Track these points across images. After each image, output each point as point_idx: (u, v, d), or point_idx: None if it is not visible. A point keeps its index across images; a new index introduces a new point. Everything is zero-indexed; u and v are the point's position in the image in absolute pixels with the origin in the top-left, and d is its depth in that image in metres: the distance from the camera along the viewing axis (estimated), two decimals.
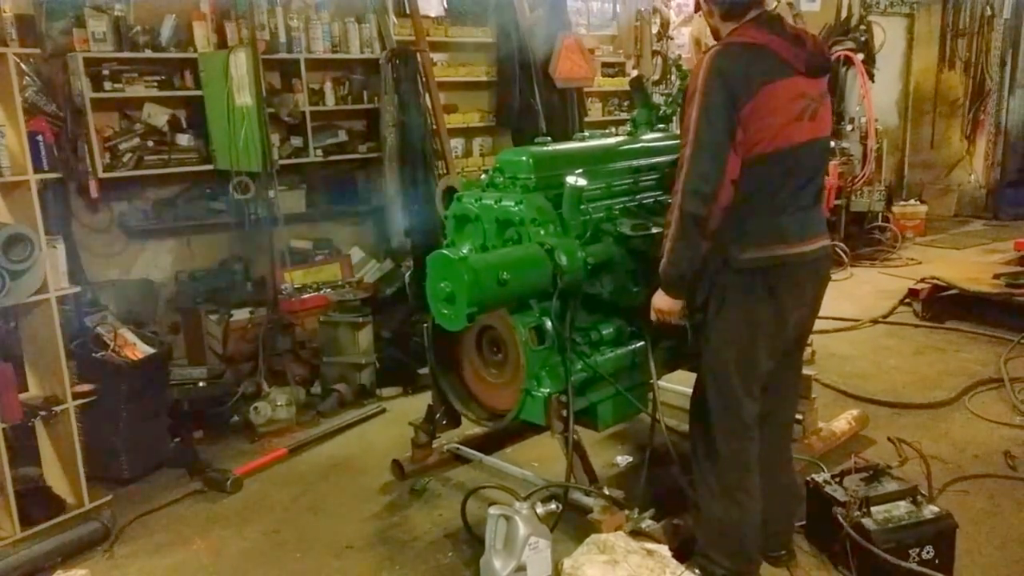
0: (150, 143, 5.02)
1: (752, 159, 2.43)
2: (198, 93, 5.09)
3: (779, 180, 2.48)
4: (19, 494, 3.24)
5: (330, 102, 5.79)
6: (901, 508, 2.78)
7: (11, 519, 3.20)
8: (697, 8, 2.76)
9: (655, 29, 7.81)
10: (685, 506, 3.02)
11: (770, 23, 2.53)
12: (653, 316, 2.72)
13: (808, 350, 4.04)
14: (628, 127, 3.99)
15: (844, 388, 4.59)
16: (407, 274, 5.28)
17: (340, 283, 5.51)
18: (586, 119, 7.02)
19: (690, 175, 2.43)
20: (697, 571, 2.69)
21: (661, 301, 2.66)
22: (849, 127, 7.93)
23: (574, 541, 2.83)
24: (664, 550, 2.62)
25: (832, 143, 7.14)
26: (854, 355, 5.26)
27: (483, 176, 3.39)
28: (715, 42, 2.62)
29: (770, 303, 2.52)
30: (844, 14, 8.37)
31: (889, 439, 3.85)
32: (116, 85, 4.82)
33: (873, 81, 7.95)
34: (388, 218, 5.77)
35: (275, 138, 5.29)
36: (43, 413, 3.34)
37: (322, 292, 5.27)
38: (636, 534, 2.82)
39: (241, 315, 5.00)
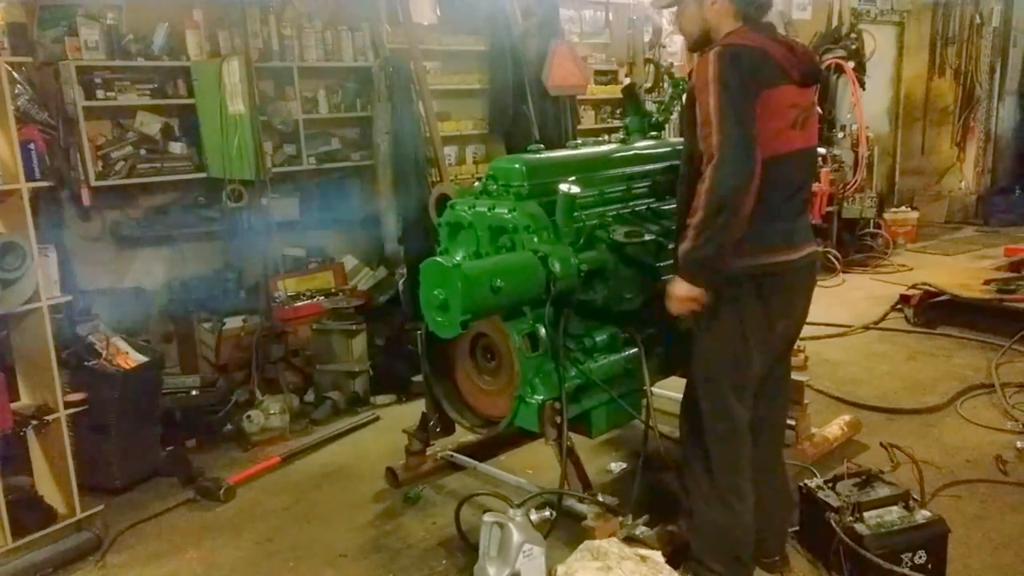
0: (143, 151, 5.00)
1: None
2: (191, 101, 5.08)
3: (771, 187, 2.47)
4: (10, 503, 3.22)
5: (323, 110, 5.79)
6: (893, 513, 2.80)
7: (2, 529, 3.18)
8: (671, 5, 2.67)
9: (647, 37, 7.84)
10: (679, 512, 3.02)
11: (764, 29, 2.55)
12: (672, 308, 2.57)
13: (800, 356, 4.05)
14: (621, 134, 4.01)
15: (836, 394, 4.61)
16: (400, 281, 5.29)
17: (333, 291, 5.50)
18: (579, 127, 7.03)
19: (726, 162, 2.31)
20: None
21: (681, 289, 2.51)
22: (840, 134, 7.97)
23: (568, 548, 2.83)
24: (658, 556, 2.62)
25: (823, 150, 7.24)
26: (846, 361, 5.28)
27: (476, 183, 3.40)
28: (692, 41, 2.61)
29: (761, 310, 2.53)
30: (835, 22, 8.44)
31: (881, 444, 3.87)
32: (108, 93, 4.81)
33: (864, 88, 8.00)
34: (381, 226, 5.77)
35: (268, 146, 5.29)
36: (34, 422, 3.32)
37: (315, 300, 5.26)
38: (630, 540, 2.82)
39: (234, 323, 4.99)
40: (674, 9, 2.71)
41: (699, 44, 2.58)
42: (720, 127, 2.34)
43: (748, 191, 2.35)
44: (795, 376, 3.33)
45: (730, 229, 2.39)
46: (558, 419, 2.96)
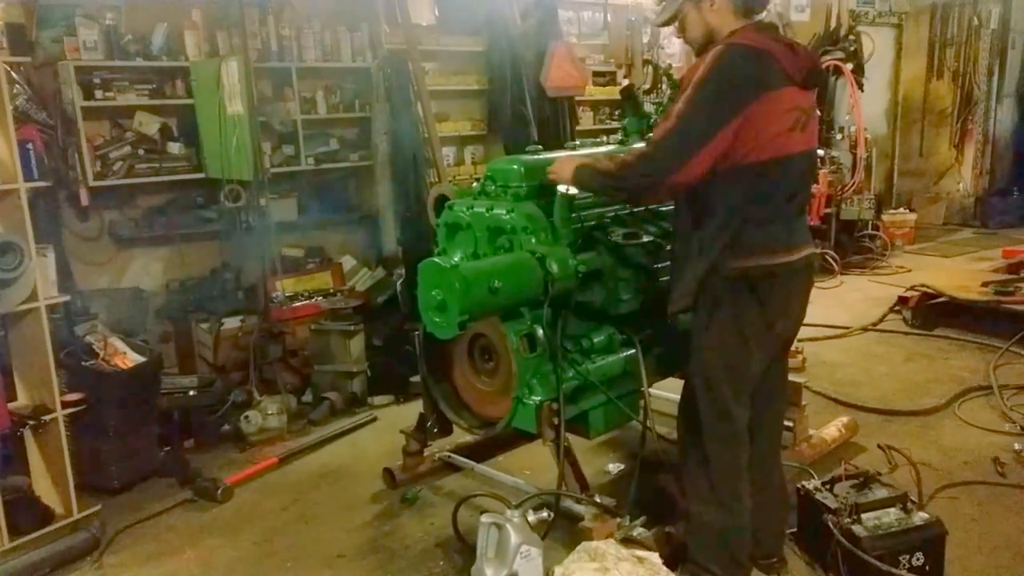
0: (141, 151, 5.01)
1: (745, 167, 2.42)
2: (189, 102, 5.09)
3: (770, 190, 2.48)
4: (7, 504, 3.22)
5: (322, 110, 5.80)
6: (891, 515, 2.80)
7: None
8: (673, 20, 2.67)
9: (646, 38, 7.86)
10: (676, 513, 3.02)
11: (767, 29, 2.55)
12: (552, 175, 2.91)
13: (799, 357, 4.06)
14: (619, 136, 4.01)
15: (834, 395, 4.60)
16: (399, 282, 5.29)
17: (331, 291, 5.50)
18: (577, 128, 7.04)
19: (651, 159, 2.46)
20: None
21: (565, 176, 2.81)
22: (839, 136, 7.98)
23: (565, 549, 2.83)
24: (655, 557, 2.61)
25: (822, 152, 7.24)
26: (844, 362, 5.28)
27: (475, 184, 3.40)
28: (698, 46, 2.61)
29: (759, 311, 2.53)
30: (833, 24, 8.44)
31: (879, 446, 3.87)
32: (107, 93, 4.82)
33: (862, 90, 8.00)
34: (380, 226, 5.78)
35: (266, 146, 5.29)
36: (32, 422, 3.32)
37: (313, 300, 5.26)
38: (627, 541, 2.82)
39: (232, 324, 4.99)
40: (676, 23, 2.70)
41: (705, 49, 2.57)
42: (672, 129, 2.41)
43: (649, 198, 2.67)
44: (793, 378, 3.32)
45: (617, 198, 2.86)
46: (556, 420, 2.96)
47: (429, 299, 2.77)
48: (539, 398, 2.98)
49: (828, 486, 2.97)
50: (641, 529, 2.99)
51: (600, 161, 2.72)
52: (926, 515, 2.81)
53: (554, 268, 2.84)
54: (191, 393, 4.43)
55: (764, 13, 2.65)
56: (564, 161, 2.88)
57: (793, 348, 3.14)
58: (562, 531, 3.05)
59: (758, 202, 2.47)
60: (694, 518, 2.72)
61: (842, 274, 7.59)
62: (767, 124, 2.40)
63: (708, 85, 2.37)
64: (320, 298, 5.31)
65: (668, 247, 2.97)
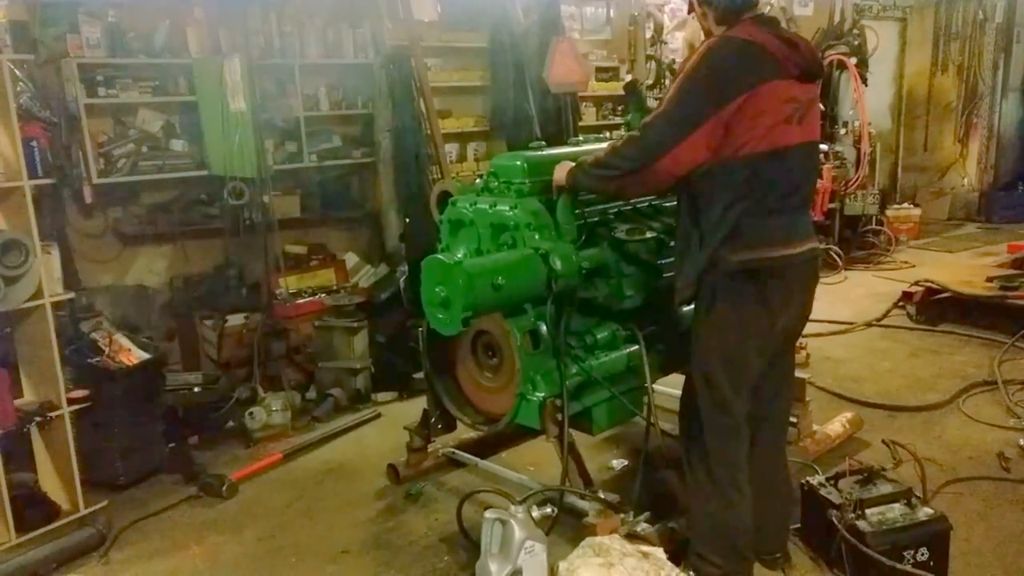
0: (144, 149, 5.01)
1: (741, 160, 2.43)
2: (192, 99, 5.09)
3: (770, 182, 2.47)
4: (14, 500, 3.24)
5: (324, 107, 5.79)
6: (895, 510, 2.80)
7: (6, 525, 3.20)
8: (691, 10, 2.73)
9: (649, 34, 7.83)
10: (680, 509, 3.02)
11: (768, 23, 2.55)
12: (554, 180, 2.98)
13: (803, 353, 4.05)
14: (622, 131, 4.00)
15: (838, 391, 4.60)
16: (402, 279, 5.29)
17: (335, 288, 5.51)
18: (580, 123, 7.02)
19: (644, 135, 2.50)
20: (691, 572, 2.70)
21: (560, 176, 2.91)
22: (842, 131, 7.96)
23: (570, 544, 2.83)
24: (659, 553, 2.62)
25: (825, 146, 7.22)
26: (848, 358, 5.28)
27: (478, 180, 3.40)
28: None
29: (759, 304, 2.53)
30: (837, 18, 8.42)
31: (883, 441, 3.87)
32: (110, 91, 4.82)
33: (866, 85, 7.99)
34: (383, 223, 5.78)
35: (269, 143, 5.29)
36: (38, 419, 3.34)
37: (317, 297, 5.27)
38: (631, 537, 2.83)
39: (236, 320, 5.00)
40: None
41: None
42: (660, 113, 2.47)
43: (639, 184, 2.64)
44: (797, 373, 3.32)
45: (602, 189, 2.85)
46: (559, 416, 2.96)
47: (432, 296, 2.78)
48: (543, 394, 2.98)
49: (832, 481, 2.97)
50: (645, 525, 3.00)
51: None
52: (930, 510, 2.80)
53: (558, 264, 2.84)
54: (196, 390, 4.44)
55: (767, 8, 2.67)
56: (562, 165, 2.93)
57: (797, 344, 3.13)
58: (566, 527, 3.06)
59: (757, 195, 2.47)
60: (695, 510, 2.73)
61: (846, 269, 7.58)
62: (760, 116, 2.41)
63: (697, 73, 2.42)
64: (323, 295, 5.32)
65: (671, 243, 2.98)
